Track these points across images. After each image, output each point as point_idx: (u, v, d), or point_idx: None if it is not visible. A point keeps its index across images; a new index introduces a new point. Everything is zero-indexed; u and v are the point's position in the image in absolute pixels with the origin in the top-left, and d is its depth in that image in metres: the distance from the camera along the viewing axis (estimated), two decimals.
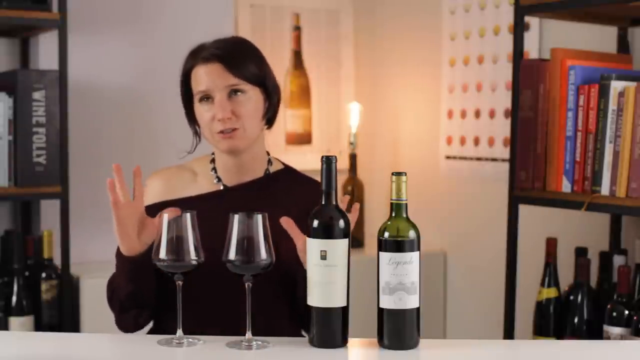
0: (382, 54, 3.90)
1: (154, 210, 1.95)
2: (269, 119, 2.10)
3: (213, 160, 2.12)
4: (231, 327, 1.89)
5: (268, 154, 2.16)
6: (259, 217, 1.75)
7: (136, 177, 1.89)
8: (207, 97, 2.02)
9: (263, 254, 1.75)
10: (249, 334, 1.77)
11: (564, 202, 2.53)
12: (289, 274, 1.97)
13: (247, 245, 1.74)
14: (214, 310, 2.00)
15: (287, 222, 1.87)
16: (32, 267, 3.00)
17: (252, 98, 2.03)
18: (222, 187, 2.09)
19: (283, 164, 2.18)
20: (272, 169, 2.14)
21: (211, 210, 1.93)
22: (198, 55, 2.03)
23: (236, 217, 1.75)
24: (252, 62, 2.04)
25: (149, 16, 3.43)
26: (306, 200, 2.02)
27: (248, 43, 2.10)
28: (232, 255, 1.74)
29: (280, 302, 2.04)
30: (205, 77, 2.01)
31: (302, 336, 2.08)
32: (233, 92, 2.01)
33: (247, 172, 2.09)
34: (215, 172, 2.11)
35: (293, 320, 2.06)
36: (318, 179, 1.80)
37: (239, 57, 2.03)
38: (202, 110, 2.03)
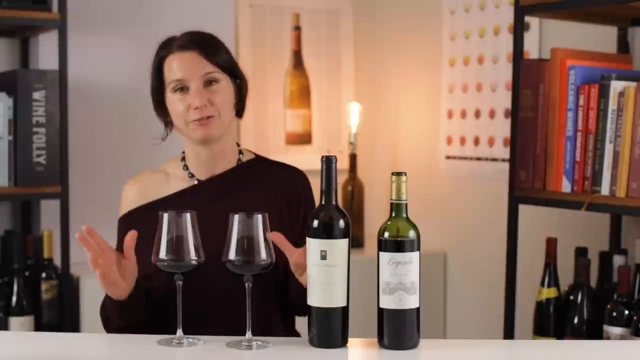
0: (382, 54, 3.89)
1: (132, 217, 1.97)
2: (238, 110, 2.12)
3: (184, 158, 2.13)
4: (221, 326, 1.91)
5: (238, 145, 2.16)
6: (259, 217, 1.75)
7: (92, 235, 1.83)
8: (181, 87, 2.02)
9: (263, 254, 1.75)
10: (249, 334, 1.77)
11: (564, 202, 2.53)
12: (279, 271, 1.96)
13: (247, 245, 1.74)
14: (200, 309, 1.99)
15: (277, 237, 1.80)
16: (32, 267, 3.00)
17: (226, 87, 2.05)
18: (195, 182, 2.09)
19: (254, 154, 2.19)
20: (244, 158, 2.14)
21: (188, 206, 1.89)
22: (172, 45, 2.05)
23: (236, 217, 1.75)
24: (224, 51, 2.07)
25: (149, 16, 3.43)
26: (282, 186, 2.06)
27: (216, 36, 2.12)
28: (232, 255, 1.74)
29: (271, 300, 2.04)
30: (182, 64, 2.02)
31: (293, 333, 2.10)
32: (208, 81, 2.02)
33: (219, 164, 2.10)
34: (187, 168, 2.11)
35: (286, 309, 2.07)
36: (318, 179, 1.80)
37: (213, 45, 2.05)
38: (175, 100, 2.03)
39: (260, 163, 2.16)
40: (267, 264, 1.75)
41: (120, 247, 2.04)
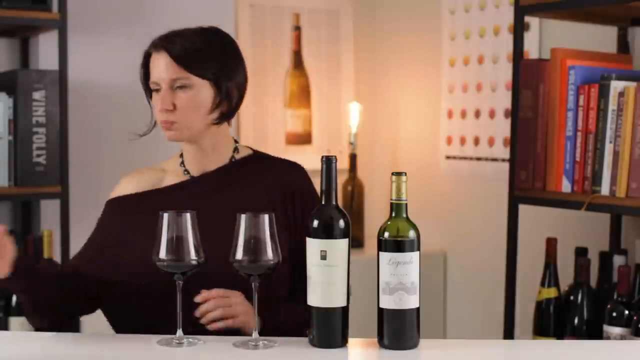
0: (382, 54, 3.90)
1: (119, 202, 2.04)
2: (224, 113, 2.04)
3: (182, 155, 2.14)
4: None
5: (236, 142, 2.14)
6: (266, 217, 1.74)
7: None
8: (157, 89, 2.03)
9: (269, 253, 1.74)
10: (255, 334, 1.77)
11: (564, 202, 2.53)
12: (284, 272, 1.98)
13: (254, 245, 1.73)
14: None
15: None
16: None
17: (197, 92, 1.99)
18: (188, 178, 2.10)
19: (253, 150, 2.16)
20: (239, 155, 2.12)
21: (176, 200, 1.95)
22: (153, 42, 2.04)
23: (243, 217, 1.74)
24: (209, 55, 2.00)
25: (149, 16, 3.43)
26: (276, 182, 2.05)
27: (215, 33, 2.06)
28: (239, 255, 1.73)
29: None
30: (155, 66, 2.02)
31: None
32: (177, 85, 1.99)
33: (211, 160, 2.09)
34: (184, 165, 2.11)
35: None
36: (318, 179, 1.80)
37: (190, 49, 1.99)
38: (153, 99, 2.06)
39: (255, 159, 2.13)
40: (274, 264, 1.75)
41: (100, 228, 2.10)
